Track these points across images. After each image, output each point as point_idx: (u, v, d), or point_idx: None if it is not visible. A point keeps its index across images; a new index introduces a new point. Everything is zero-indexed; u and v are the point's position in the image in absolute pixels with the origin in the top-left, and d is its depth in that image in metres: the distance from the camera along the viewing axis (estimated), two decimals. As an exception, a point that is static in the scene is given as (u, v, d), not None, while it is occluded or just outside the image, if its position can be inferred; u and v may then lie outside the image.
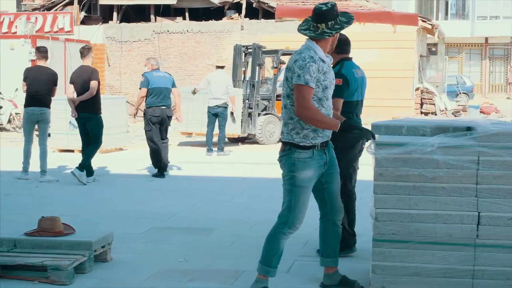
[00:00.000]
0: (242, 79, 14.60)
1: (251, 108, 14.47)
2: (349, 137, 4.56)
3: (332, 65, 4.77)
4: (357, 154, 5.54)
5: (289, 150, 4.44)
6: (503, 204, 4.27)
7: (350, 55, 5.59)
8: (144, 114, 10.30)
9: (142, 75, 10.38)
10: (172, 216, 7.30)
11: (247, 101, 14.39)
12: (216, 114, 12.86)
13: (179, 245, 6.00)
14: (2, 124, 18.36)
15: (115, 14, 24.98)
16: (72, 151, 12.84)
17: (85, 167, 9.55)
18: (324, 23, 4.37)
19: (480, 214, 4.29)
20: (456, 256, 4.33)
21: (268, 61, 15.10)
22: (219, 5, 24.04)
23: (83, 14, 24.90)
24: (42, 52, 9.82)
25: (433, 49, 36.04)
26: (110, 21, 24.96)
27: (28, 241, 5.22)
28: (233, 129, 13.73)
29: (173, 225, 6.87)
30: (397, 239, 4.37)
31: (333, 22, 4.38)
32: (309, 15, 4.54)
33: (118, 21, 24.93)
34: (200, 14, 24.92)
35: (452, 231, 4.32)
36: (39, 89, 9.63)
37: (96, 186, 9.47)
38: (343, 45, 5.36)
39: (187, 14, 24.49)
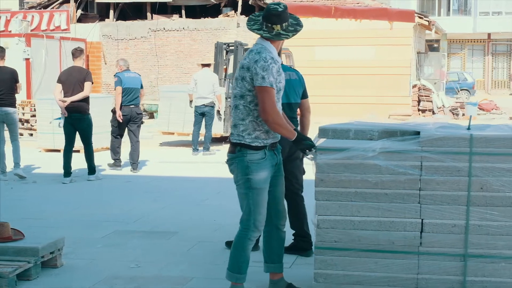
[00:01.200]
0: (224, 77, 14.43)
1: None
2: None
3: None
4: (292, 156, 5.40)
5: (240, 151, 4.34)
6: (446, 211, 4.14)
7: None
8: (112, 111, 10.71)
9: (114, 75, 10.72)
10: (138, 219, 7.19)
11: (229, 99, 14.24)
12: (203, 114, 12.75)
13: (135, 250, 5.90)
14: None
15: (111, 12, 24.93)
16: (58, 151, 12.73)
17: (94, 168, 9.81)
18: (280, 24, 4.33)
19: (424, 221, 4.16)
20: (400, 264, 4.20)
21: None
22: (215, 2, 23.96)
23: (79, 12, 24.86)
24: None
25: (435, 45, 35.85)
26: (106, 19, 24.91)
27: (-25, 247, 5.13)
28: (215, 128, 13.59)
29: (136, 229, 6.75)
30: (339, 247, 4.25)
31: (287, 23, 4.37)
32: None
33: (114, 19, 24.89)
34: (197, 12, 24.84)
35: (395, 238, 4.19)
36: (1, 89, 9.59)
37: (72, 187, 9.38)
38: None
39: (183, 12, 24.42)
